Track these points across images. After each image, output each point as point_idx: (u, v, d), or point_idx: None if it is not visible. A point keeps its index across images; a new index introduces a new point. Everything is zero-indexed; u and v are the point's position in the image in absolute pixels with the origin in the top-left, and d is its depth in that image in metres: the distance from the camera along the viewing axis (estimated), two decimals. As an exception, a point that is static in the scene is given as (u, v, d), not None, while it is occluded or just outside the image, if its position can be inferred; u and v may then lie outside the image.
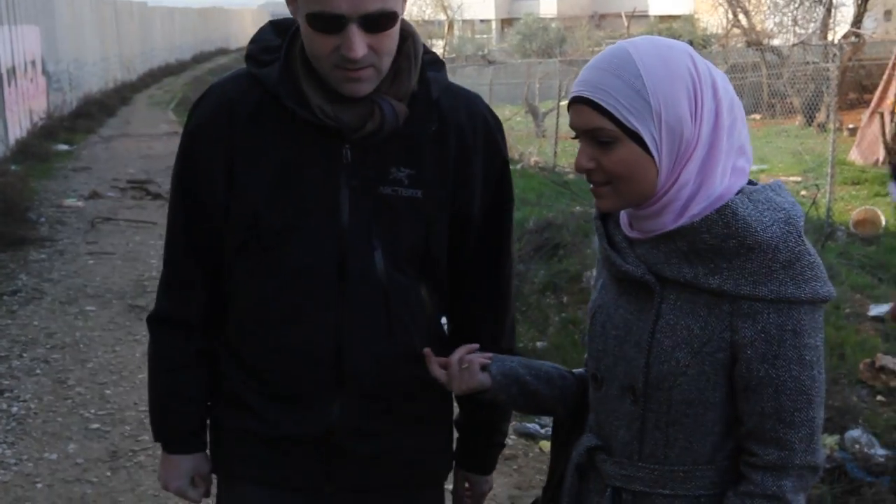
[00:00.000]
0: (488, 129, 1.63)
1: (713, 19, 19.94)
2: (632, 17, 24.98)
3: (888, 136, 10.81)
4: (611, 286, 1.51)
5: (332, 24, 1.37)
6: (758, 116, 14.98)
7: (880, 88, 11.74)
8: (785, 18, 16.35)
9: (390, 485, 1.65)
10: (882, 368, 4.48)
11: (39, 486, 3.70)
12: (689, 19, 26.98)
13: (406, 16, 1.55)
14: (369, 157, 1.51)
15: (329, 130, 1.49)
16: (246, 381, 1.60)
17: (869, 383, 4.47)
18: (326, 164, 1.52)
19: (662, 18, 34.57)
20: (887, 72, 11.69)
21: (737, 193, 1.36)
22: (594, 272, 1.63)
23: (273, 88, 1.49)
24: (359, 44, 1.37)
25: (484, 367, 1.57)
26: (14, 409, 4.48)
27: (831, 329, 4.89)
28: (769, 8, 16.71)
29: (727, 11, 16.95)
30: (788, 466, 1.38)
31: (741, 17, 16.51)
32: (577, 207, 7.77)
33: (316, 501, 1.64)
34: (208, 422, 1.69)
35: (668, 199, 1.36)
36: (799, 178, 10.95)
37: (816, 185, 9.29)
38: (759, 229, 1.31)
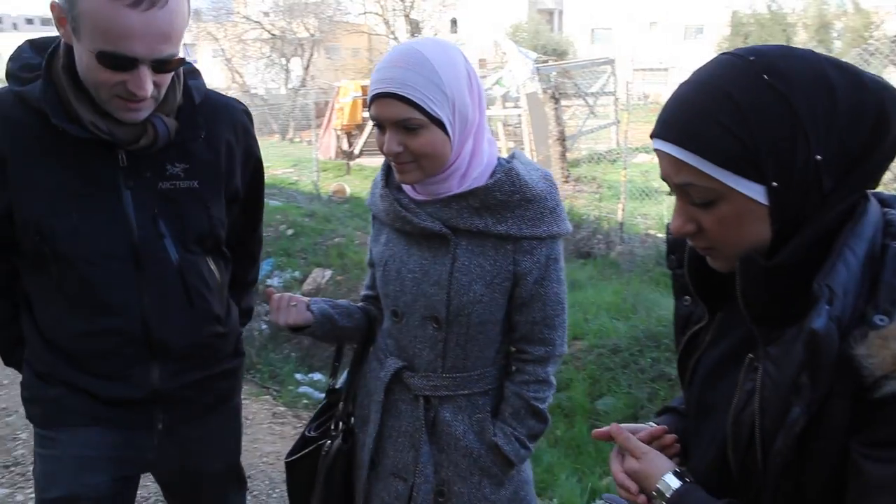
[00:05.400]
0: (245, 128, 1.74)
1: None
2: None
3: (340, 144, 16.30)
4: (398, 240, 1.63)
5: (124, 64, 1.36)
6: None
7: (327, 116, 17.04)
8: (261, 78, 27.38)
9: (200, 412, 1.79)
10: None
11: None
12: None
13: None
14: (143, 160, 1.55)
15: (102, 142, 1.48)
16: (56, 361, 1.62)
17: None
18: (103, 171, 1.52)
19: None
20: (330, 106, 17.03)
21: (506, 160, 1.57)
22: (371, 232, 1.78)
23: (37, 104, 1.46)
24: (148, 83, 1.41)
25: (307, 307, 1.67)
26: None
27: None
28: (254, 72, 27.33)
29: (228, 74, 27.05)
30: (551, 357, 1.66)
31: (237, 77, 26.89)
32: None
33: (143, 436, 1.71)
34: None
35: (454, 168, 1.53)
36: (291, 169, 15.10)
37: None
38: (532, 185, 1.54)
